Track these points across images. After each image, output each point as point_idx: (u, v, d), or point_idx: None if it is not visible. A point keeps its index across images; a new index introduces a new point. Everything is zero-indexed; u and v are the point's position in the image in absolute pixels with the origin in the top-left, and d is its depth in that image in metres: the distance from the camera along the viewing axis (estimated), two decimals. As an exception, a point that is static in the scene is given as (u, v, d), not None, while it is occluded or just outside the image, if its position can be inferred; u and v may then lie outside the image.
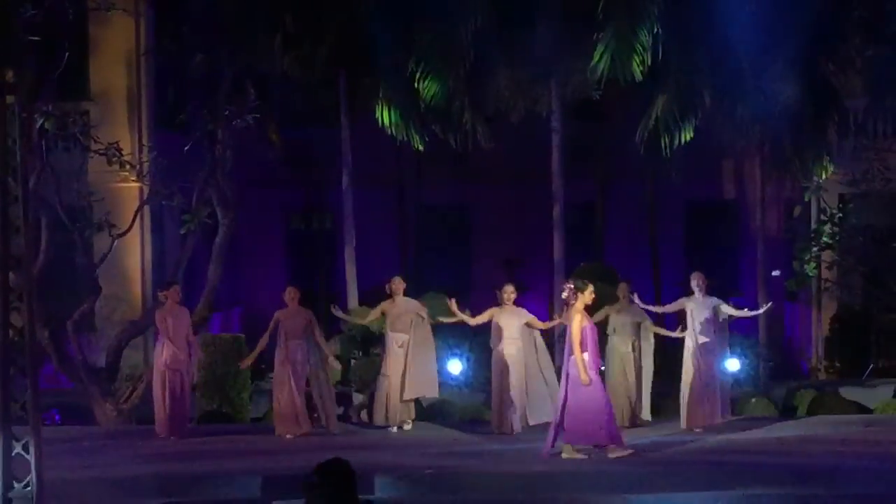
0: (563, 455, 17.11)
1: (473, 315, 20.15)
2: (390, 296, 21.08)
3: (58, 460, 16.16)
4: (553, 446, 17.27)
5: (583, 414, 16.90)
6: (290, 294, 20.33)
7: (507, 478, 16.37)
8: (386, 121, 25.93)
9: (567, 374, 16.97)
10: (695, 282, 20.11)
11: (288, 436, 19.88)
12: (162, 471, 16.89)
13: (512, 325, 19.83)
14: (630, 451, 17.18)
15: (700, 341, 19.87)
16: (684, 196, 31.53)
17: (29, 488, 12.61)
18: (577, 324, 16.80)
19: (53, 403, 22.97)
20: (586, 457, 17.11)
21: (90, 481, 16.08)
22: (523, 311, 20.12)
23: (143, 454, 18.54)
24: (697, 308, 20.03)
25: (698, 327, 19.91)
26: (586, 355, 16.81)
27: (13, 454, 12.58)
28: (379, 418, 20.94)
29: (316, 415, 20.58)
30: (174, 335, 20.48)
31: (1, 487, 12.51)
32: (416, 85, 25.20)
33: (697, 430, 19.75)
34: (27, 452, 12.61)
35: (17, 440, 12.59)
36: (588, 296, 17.05)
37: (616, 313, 21.19)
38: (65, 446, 18.72)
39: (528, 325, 19.94)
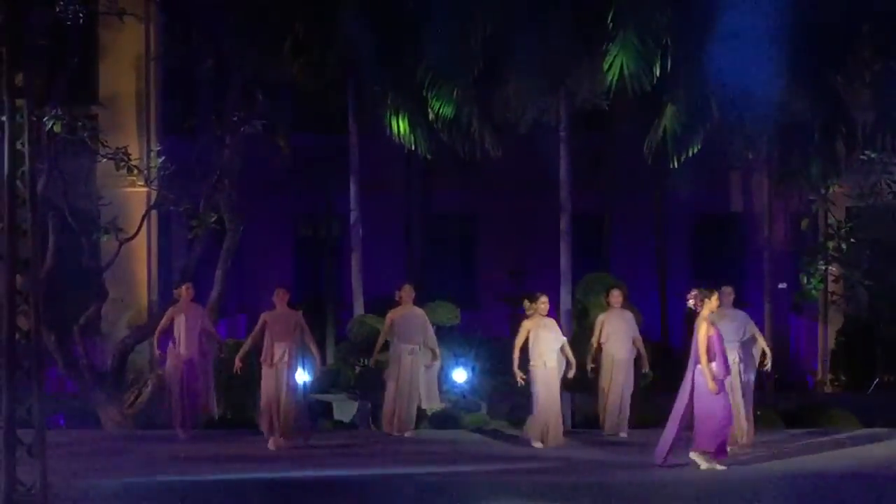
0: (703, 466, 17.01)
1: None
2: (398, 303, 21.12)
3: (62, 464, 16.18)
4: (668, 457, 17.21)
5: (710, 420, 16.90)
6: (281, 295, 20.06)
7: (510, 486, 16.35)
8: (394, 128, 25.93)
9: (692, 383, 16.95)
10: (724, 298, 19.29)
11: (270, 445, 19.64)
12: (166, 476, 16.89)
13: (551, 337, 19.77)
14: (724, 468, 17.06)
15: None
16: (691, 207, 31.52)
17: (33, 492, 12.62)
18: (704, 332, 16.82)
19: (59, 407, 22.98)
20: (725, 467, 17.05)
21: (94, 486, 16.08)
22: (555, 324, 20.11)
23: (147, 459, 18.55)
24: (723, 323, 19.51)
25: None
26: (713, 364, 16.81)
27: (18, 457, 12.59)
28: (386, 426, 21.00)
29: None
30: (187, 332, 20.72)
31: (5, 491, 12.52)
32: (424, 93, 25.21)
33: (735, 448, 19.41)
34: (32, 456, 12.62)
35: (22, 444, 12.60)
36: (714, 302, 17.05)
37: (609, 320, 21.20)
38: (69, 450, 18.74)
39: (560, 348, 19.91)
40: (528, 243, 31.03)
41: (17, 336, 12.72)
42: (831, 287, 27.75)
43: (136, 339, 23.96)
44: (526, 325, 19.78)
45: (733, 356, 19.25)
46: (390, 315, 21.26)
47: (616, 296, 21.44)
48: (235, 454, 19.21)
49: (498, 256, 32.00)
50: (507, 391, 25.38)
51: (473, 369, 24.40)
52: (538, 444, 19.59)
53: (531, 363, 19.71)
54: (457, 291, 27.79)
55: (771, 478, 16.71)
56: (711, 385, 16.75)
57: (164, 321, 21.24)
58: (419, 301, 22.06)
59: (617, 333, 21.14)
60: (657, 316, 28.73)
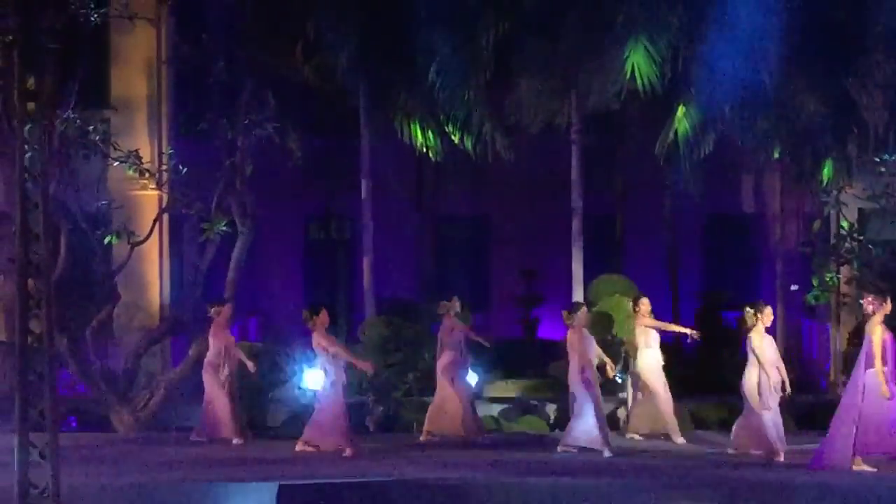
0: (854, 468, 17.01)
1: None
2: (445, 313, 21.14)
3: (75, 467, 16.20)
4: (823, 461, 17.25)
5: (882, 425, 16.89)
6: (327, 314, 19.94)
7: (528, 489, 16.35)
8: (405, 131, 25.94)
9: (863, 386, 16.91)
10: (767, 319, 19.06)
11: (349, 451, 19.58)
12: (178, 479, 16.90)
13: (594, 344, 19.80)
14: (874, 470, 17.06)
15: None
16: (703, 209, 31.46)
17: (46, 495, 12.63)
18: (879, 336, 16.80)
19: (71, 410, 23.03)
20: (875, 470, 17.00)
21: (106, 488, 16.10)
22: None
23: (159, 462, 18.57)
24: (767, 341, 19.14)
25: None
26: (887, 368, 16.81)
27: (30, 460, 12.60)
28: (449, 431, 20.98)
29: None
30: (229, 348, 20.91)
31: (19, 493, 12.54)
32: (435, 95, 25.21)
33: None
34: (44, 458, 12.64)
35: (35, 447, 12.61)
36: (888, 307, 17.06)
37: (648, 327, 21.20)
38: (82, 453, 18.77)
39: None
40: (540, 245, 31.00)
41: (29, 339, 12.74)
42: (843, 288, 27.68)
43: (147, 343, 23.99)
44: (578, 335, 19.65)
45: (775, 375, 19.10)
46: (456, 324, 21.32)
47: (646, 304, 21.44)
48: (245, 457, 19.23)
49: (509, 258, 31.99)
50: (520, 394, 25.48)
51: (480, 373, 24.36)
52: (608, 452, 19.42)
53: (581, 372, 19.55)
54: (468, 293, 27.78)
55: (783, 480, 16.69)
56: (885, 390, 16.73)
57: (218, 338, 21.24)
58: (431, 303, 22.09)
59: (655, 341, 21.22)
60: (669, 317, 28.70)
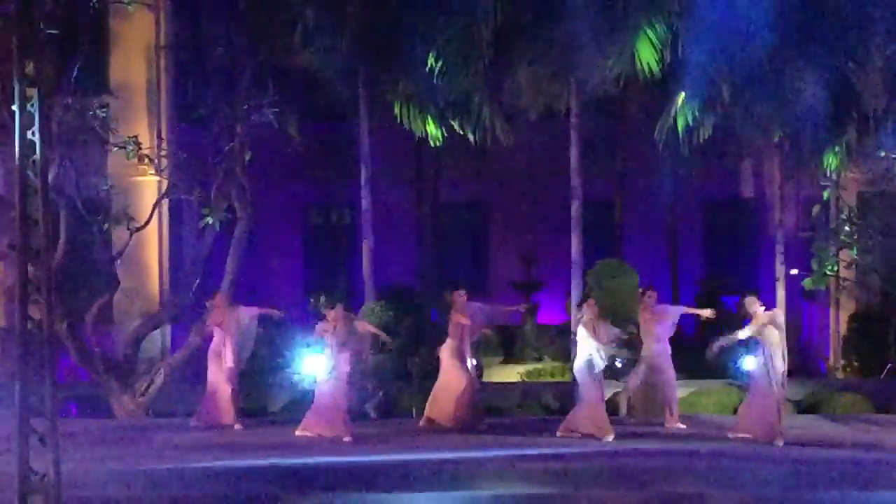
0: None
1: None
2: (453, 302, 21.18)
3: (75, 453, 16.23)
4: None
5: None
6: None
7: (523, 472, 16.39)
8: (405, 116, 25.91)
9: None
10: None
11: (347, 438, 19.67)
12: (178, 464, 16.93)
13: (602, 332, 20.06)
14: None
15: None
16: (703, 194, 31.49)
17: (46, 480, 12.65)
18: None
19: (71, 396, 23.06)
20: None
21: (107, 474, 16.13)
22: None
23: (160, 447, 18.59)
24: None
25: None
26: None
27: (31, 446, 12.61)
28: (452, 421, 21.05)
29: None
30: (232, 337, 20.93)
31: (19, 479, 12.55)
32: (435, 81, 25.17)
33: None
34: (44, 444, 12.65)
35: (35, 432, 12.62)
36: None
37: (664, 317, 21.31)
38: (82, 439, 18.80)
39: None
40: (540, 230, 31.03)
41: (29, 325, 12.73)
42: (843, 273, 27.70)
43: (148, 328, 24.01)
44: (591, 324, 19.80)
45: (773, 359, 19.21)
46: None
47: (652, 296, 21.54)
48: (246, 442, 19.26)
49: (509, 244, 32.01)
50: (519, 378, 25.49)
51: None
52: (610, 437, 19.50)
53: (590, 358, 19.62)
54: (468, 279, 27.77)
55: (779, 461, 16.73)
56: None
57: (221, 327, 21.28)
58: (432, 289, 22.07)
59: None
60: (669, 302, 28.74)
